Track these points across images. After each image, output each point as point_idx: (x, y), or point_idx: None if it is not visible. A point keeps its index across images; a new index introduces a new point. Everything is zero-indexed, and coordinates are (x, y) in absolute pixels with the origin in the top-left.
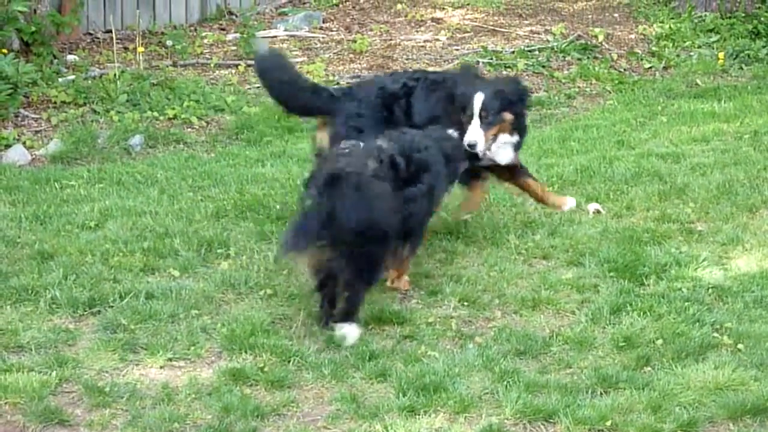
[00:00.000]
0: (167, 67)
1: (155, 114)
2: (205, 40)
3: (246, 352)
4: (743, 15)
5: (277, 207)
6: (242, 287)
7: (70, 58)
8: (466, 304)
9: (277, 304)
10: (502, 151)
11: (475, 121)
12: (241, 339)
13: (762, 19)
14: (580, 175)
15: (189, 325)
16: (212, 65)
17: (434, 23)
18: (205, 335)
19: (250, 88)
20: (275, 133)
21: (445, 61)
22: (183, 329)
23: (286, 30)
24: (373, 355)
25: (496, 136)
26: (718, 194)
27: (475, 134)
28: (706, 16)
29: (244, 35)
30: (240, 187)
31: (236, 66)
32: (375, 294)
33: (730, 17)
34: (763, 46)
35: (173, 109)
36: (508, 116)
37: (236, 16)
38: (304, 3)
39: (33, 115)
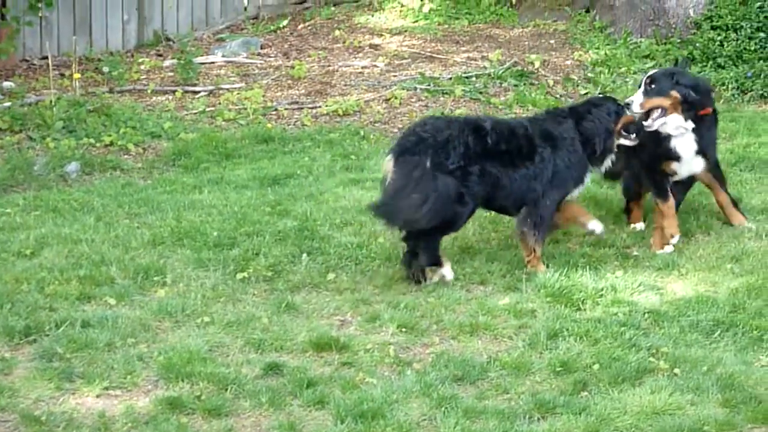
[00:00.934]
0: (104, 93)
1: (92, 141)
2: (142, 66)
3: (183, 380)
4: (678, 41)
5: (215, 234)
6: (179, 315)
7: (6, 84)
8: (404, 330)
9: (214, 332)
10: (680, 139)
11: (640, 90)
12: (178, 367)
13: (697, 44)
14: None
15: (125, 353)
16: (149, 91)
17: (372, 50)
18: (142, 364)
19: (187, 114)
20: (213, 160)
21: (383, 87)
22: (119, 358)
23: (223, 56)
24: (311, 382)
25: (661, 110)
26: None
27: (634, 97)
28: (641, 42)
29: (182, 61)
30: (177, 214)
31: (173, 92)
32: (313, 321)
33: (665, 43)
34: (699, 72)
35: (110, 135)
36: (674, 94)
37: (173, 42)
38: (242, 29)
39: None
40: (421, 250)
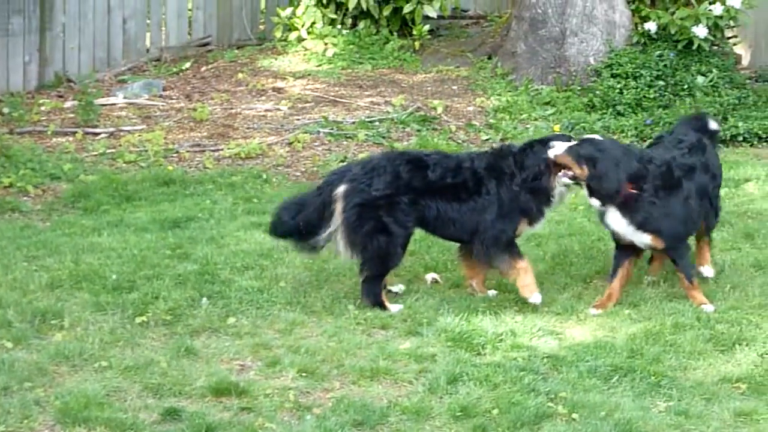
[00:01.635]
0: (4, 134)
1: None
2: (43, 108)
3: (80, 425)
4: (579, 88)
5: (113, 277)
6: (76, 359)
7: None
8: (304, 374)
9: (112, 377)
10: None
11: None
12: (75, 412)
13: (597, 92)
14: (419, 244)
15: (22, 397)
16: (50, 132)
17: (275, 93)
18: (39, 408)
19: (87, 156)
20: (113, 202)
21: (286, 131)
22: (16, 402)
23: (125, 98)
24: (210, 428)
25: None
26: (554, 264)
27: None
28: (542, 89)
29: (82, 102)
30: (76, 257)
31: (74, 133)
32: (213, 365)
33: (566, 90)
34: (599, 119)
35: (9, 177)
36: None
37: (74, 83)
38: (145, 71)
39: None
40: (362, 290)
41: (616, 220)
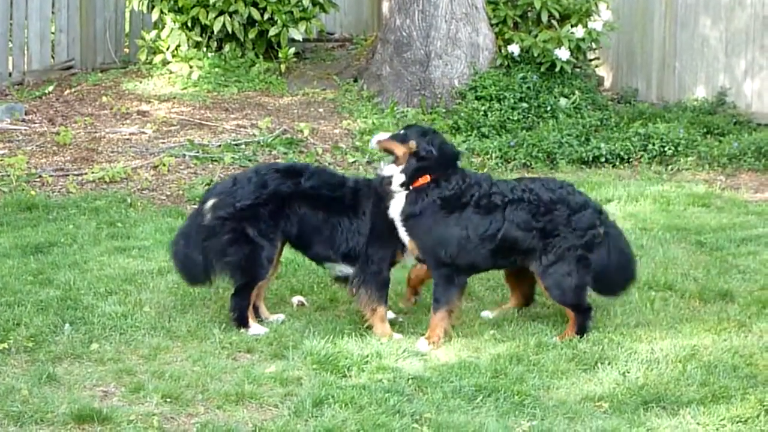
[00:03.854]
0: None
1: None
2: None
3: None
4: (444, 110)
5: None
6: None
7: None
8: (169, 400)
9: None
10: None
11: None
12: None
13: (462, 114)
14: (285, 267)
15: None
16: None
17: (140, 116)
18: None
19: None
20: None
21: (151, 154)
22: None
23: None
24: None
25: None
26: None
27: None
28: (408, 111)
29: None
30: None
31: None
32: (75, 392)
33: (431, 113)
34: (464, 141)
35: None
36: (411, 144)
37: None
38: (6, 95)
39: None
40: (230, 303)
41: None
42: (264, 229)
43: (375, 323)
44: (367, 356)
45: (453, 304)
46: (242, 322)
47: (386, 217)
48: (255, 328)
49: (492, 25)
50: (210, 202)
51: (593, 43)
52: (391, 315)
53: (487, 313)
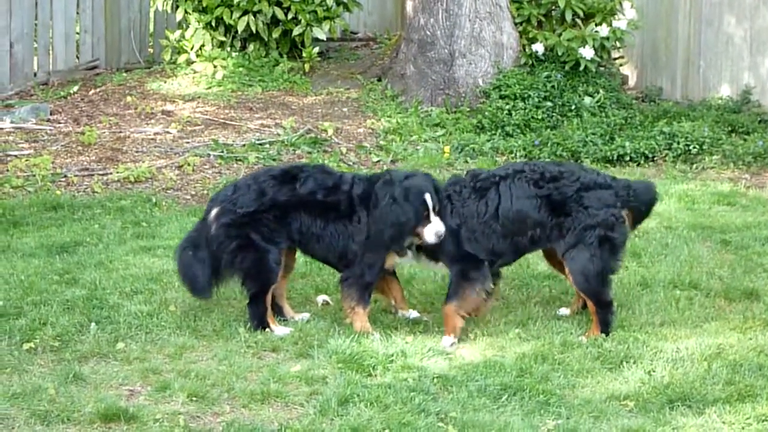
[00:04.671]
0: None
1: None
2: None
3: None
4: (468, 110)
5: (0, 303)
6: None
7: None
8: (194, 399)
9: None
10: None
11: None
12: None
13: (486, 113)
14: (310, 266)
15: None
16: None
17: (165, 116)
18: None
19: None
20: None
21: (176, 154)
22: None
23: (12, 122)
24: None
25: None
26: (444, 285)
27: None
28: (432, 110)
29: None
30: None
31: None
32: (101, 391)
33: (455, 112)
34: (488, 140)
35: None
36: None
37: None
38: (32, 95)
39: None
40: (248, 312)
41: None
42: (268, 234)
43: (355, 321)
44: (392, 355)
45: (464, 298)
46: (264, 327)
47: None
48: (278, 329)
49: (516, 24)
50: (214, 212)
51: (617, 42)
52: (415, 314)
53: (564, 311)
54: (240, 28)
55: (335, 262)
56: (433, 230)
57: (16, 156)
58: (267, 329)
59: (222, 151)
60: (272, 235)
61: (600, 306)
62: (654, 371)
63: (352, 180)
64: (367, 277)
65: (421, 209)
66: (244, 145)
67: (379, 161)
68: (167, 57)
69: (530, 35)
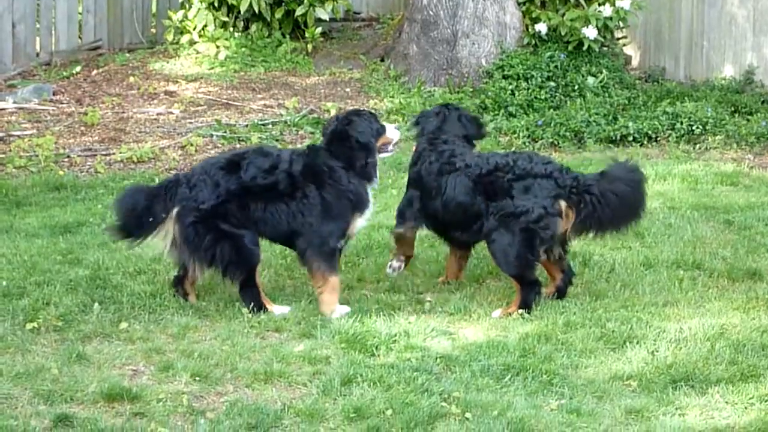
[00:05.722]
0: None
1: None
2: None
3: None
4: (471, 90)
5: (3, 283)
6: None
7: None
8: (198, 378)
9: (2, 383)
10: None
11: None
12: None
13: (489, 93)
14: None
15: None
16: None
17: (168, 96)
18: None
19: None
20: (2, 208)
21: (178, 134)
22: None
23: (15, 102)
24: None
25: None
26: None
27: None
28: (435, 90)
29: None
30: None
31: None
32: (105, 371)
33: (458, 92)
34: (491, 120)
35: None
36: None
37: None
38: (35, 75)
39: None
40: (241, 299)
41: None
42: (236, 221)
43: (325, 292)
44: (395, 335)
45: None
46: (260, 309)
47: (332, 189)
48: (276, 309)
49: (519, 4)
50: (175, 211)
51: (621, 22)
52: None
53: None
54: (243, 8)
55: (293, 241)
56: (392, 127)
57: (19, 136)
58: (264, 312)
59: (225, 132)
60: (241, 220)
61: (522, 285)
62: (657, 351)
63: (290, 157)
64: (330, 244)
65: (373, 121)
66: (246, 126)
67: None
68: (170, 37)
69: (533, 15)
